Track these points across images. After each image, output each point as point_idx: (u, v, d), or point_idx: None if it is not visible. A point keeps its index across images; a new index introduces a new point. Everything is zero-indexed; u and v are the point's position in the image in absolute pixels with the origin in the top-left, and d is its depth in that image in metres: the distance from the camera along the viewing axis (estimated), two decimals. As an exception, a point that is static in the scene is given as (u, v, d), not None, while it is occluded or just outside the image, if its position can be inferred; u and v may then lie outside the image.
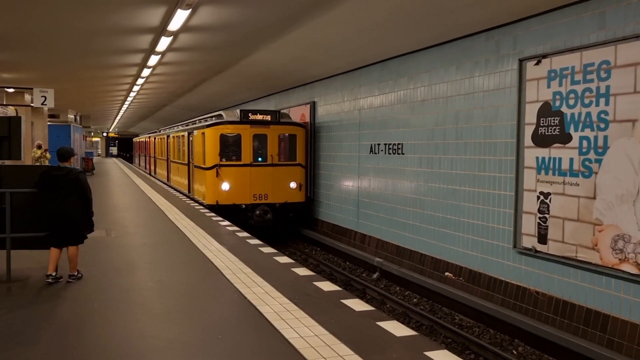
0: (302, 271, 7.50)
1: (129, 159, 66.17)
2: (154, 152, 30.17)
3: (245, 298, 6.13)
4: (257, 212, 14.79)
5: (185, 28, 10.09)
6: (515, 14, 8.44)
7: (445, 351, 4.64)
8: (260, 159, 15.44)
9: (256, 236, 10.48)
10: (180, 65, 15.06)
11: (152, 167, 31.73)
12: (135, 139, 50.31)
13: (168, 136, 24.12)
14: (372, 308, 5.84)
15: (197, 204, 15.68)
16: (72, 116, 28.67)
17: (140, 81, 18.10)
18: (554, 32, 7.90)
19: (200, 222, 12.12)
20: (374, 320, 5.42)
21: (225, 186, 14.96)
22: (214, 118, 16.26)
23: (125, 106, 30.27)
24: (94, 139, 59.95)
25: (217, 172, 14.95)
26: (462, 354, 8.04)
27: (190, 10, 8.77)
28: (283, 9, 9.05)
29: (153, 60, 13.55)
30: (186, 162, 19.12)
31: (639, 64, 6.57)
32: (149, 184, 23.29)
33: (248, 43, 11.89)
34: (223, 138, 15.22)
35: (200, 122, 17.58)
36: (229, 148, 15.37)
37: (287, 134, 15.88)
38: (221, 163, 15.05)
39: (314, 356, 4.46)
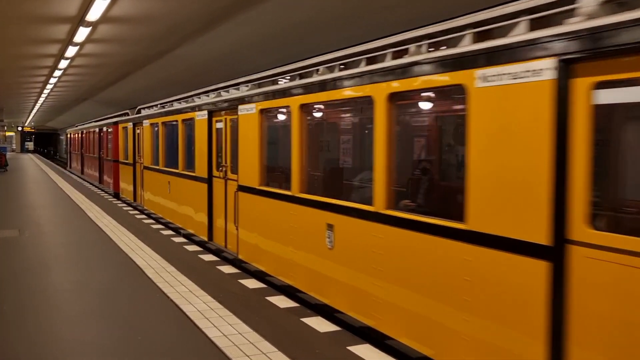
0: (228, 269, 7.40)
1: (47, 155, 62.94)
2: (125, 155, 17.11)
3: (168, 297, 5.97)
4: None
5: (104, 19, 9.70)
6: (440, 15, 8.70)
7: (368, 345, 4.73)
8: None
9: None
10: (101, 58, 14.46)
11: (112, 180, 19.01)
12: (72, 131, 32.91)
13: (166, 123, 12.41)
14: (297, 305, 5.86)
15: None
16: (-17, 109, 26.92)
17: (57, 73, 17.27)
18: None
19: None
20: (299, 316, 5.44)
21: None
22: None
23: (41, 99, 28.82)
24: (8, 134, 56.50)
25: None
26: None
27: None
28: (207, 1, 8.89)
29: (71, 51, 12.95)
30: (290, 191, 6.53)
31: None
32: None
33: (172, 36, 11.59)
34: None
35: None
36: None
37: None
38: None
39: (237, 354, 4.41)
